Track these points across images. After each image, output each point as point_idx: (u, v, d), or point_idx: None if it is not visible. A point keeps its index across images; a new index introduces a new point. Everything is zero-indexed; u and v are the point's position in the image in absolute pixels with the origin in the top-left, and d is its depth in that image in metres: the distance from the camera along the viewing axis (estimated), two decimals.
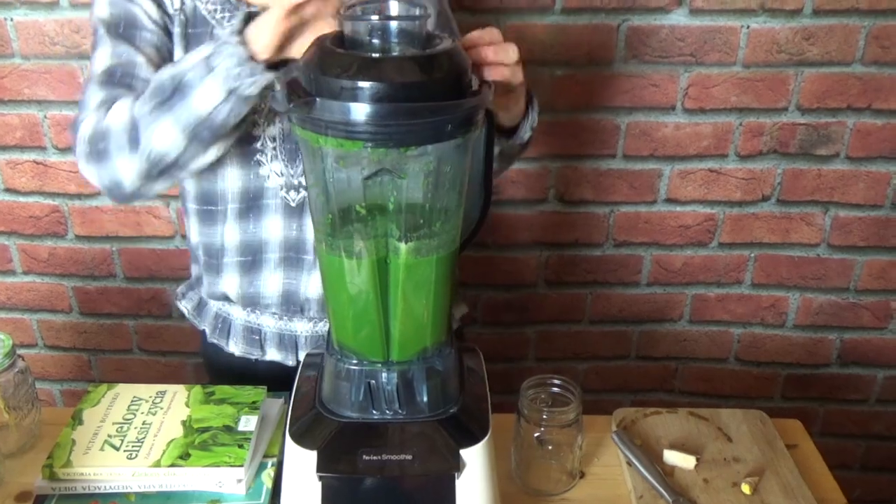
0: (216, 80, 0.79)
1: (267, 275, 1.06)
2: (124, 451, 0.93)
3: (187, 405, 1.00)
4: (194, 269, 1.16)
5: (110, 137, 0.87)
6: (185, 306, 1.18)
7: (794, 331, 1.62)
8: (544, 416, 0.95)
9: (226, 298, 1.10)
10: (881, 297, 1.58)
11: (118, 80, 0.90)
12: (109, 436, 0.95)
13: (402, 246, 0.67)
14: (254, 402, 1.02)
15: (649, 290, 1.59)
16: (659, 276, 1.57)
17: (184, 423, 0.98)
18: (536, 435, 0.96)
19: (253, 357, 1.11)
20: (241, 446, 0.94)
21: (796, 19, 1.34)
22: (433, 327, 0.74)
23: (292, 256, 1.04)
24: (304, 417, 0.78)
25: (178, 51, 0.95)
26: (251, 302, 1.08)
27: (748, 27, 1.34)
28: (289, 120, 0.67)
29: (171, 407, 1.00)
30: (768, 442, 1.05)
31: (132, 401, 1.01)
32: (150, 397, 1.02)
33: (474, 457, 0.74)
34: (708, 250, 1.55)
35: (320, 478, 0.72)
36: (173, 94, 0.82)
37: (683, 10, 1.33)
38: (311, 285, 1.05)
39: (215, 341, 1.13)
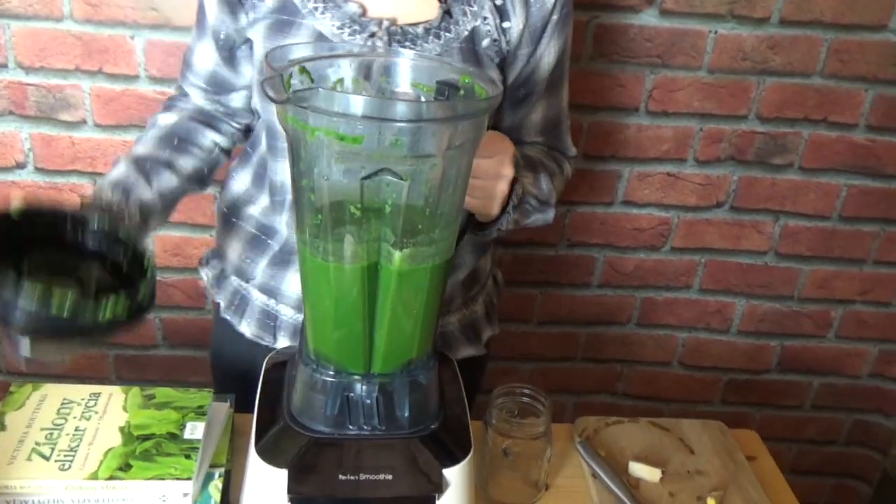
0: None
1: (291, 275, 1.02)
2: (56, 461, 0.85)
3: (125, 409, 0.93)
4: (220, 238, 1.11)
5: None
6: (206, 273, 1.13)
7: (737, 336, 1.66)
8: (513, 428, 0.93)
9: (248, 280, 1.06)
10: (823, 306, 1.63)
11: (216, 84, 1.02)
12: (38, 443, 0.87)
13: (397, 253, 0.63)
14: (200, 407, 0.95)
15: (600, 292, 1.59)
16: (610, 278, 1.58)
17: (122, 429, 0.91)
18: (504, 447, 0.93)
19: (263, 342, 1.05)
20: (188, 456, 0.87)
21: (763, 27, 1.35)
22: (421, 339, 0.70)
23: None
24: (271, 431, 0.73)
25: (257, 40, 0.93)
26: (270, 293, 1.04)
27: (716, 32, 1.35)
28: (277, 110, 0.62)
29: (107, 411, 0.93)
30: (729, 453, 1.06)
31: (62, 403, 0.93)
32: (83, 400, 0.94)
33: (457, 476, 0.71)
34: (660, 254, 1.56)
35: (291, 499, 0.68)
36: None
37: (654, 10, 1.33)
38: None
39: (228, 317, 1.08)
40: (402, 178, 0.60)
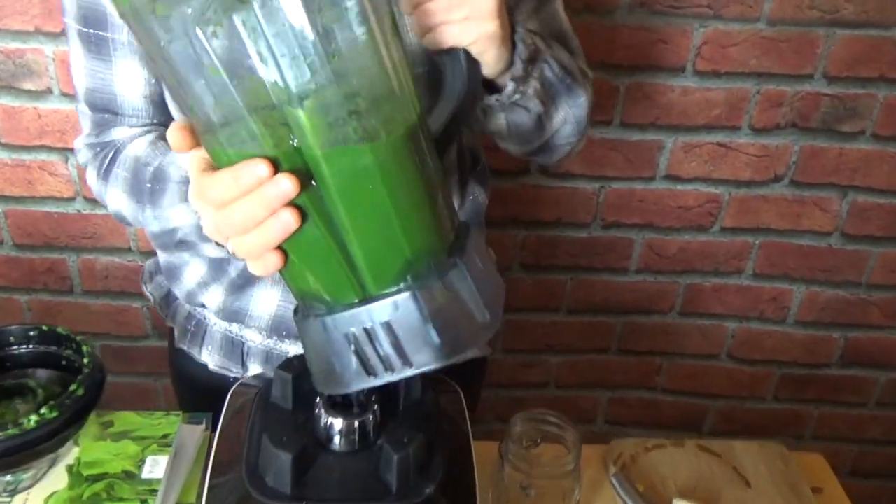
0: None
1: (260, 291, 0.86)
2: None
3: (76, 442, 0.81)
4: (162, 256, 0.94)
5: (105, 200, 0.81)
6: (151, 293, 0.97)
7: (795, 327, 1.50)
8: (534, 469, 0.79)
9: (201, 305, 0.90)
10: (893, 294, 1.46)
11: (102, 107, 0.80)
12: None
13: (301, 111, 0.44)
14: (164, 437, 0.83)
15: (638, 278, 1.44)
16: (650, 262, 1.42)
17: (70, 468, 0.79)
18: (523, 484, 0.80)
19: (231, 374, 0.91)
20: (144, 502, 0.75)
21: None
22: (412, 229, 0.51)
23: None
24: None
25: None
26: (233, 318, 0.88)
27: None
28: None
29: None
30: (792, 487, 0.91)
31: None
32: None
33: None
34: (708, 235, 1.40)
35: None
36: (150, 197, 0.74)
37: None
38: None
39: (185, 347, 0.93)
40: None
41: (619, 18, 1.20)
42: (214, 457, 0.64)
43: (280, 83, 0.44)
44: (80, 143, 0.83)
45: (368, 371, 0.51)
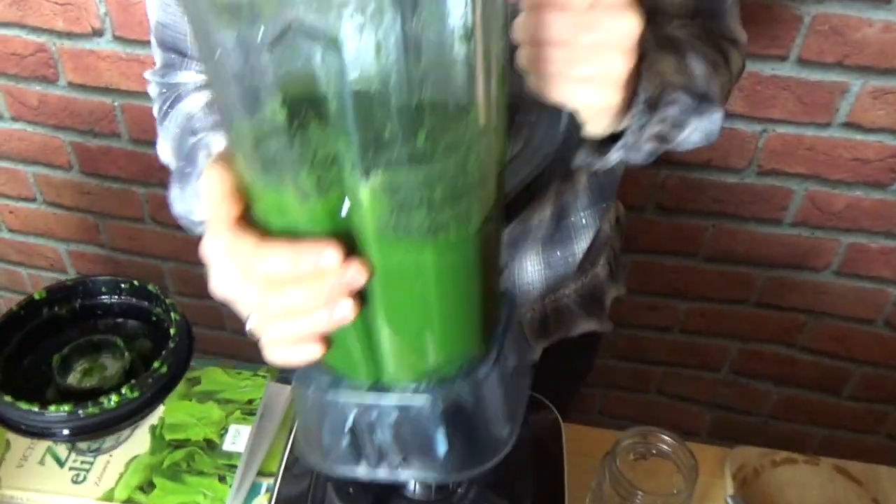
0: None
1: None
2: (70, 468, 0.74)
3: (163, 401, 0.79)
4: None
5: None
6: None
7: None
8: (639, 496, 0.71)
9: None
10: None
11: (171, 45, 0.72)
12: (55, 442, 0.76)
13: (364, 187, 0.36)
14: (249, 402, 0.80)
15: (793, 231, 1.27)
16: (810, 216, 1.25)
17: (153, 429, 0.77)
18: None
19: None
20: (222, 479, 0.73)
21: None
22: (454, 334, 0.43)
23: None
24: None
25: None
26: None
27: None
28: None
29: None
30: None
31: None
32: None
33: None
34: (886, 193, 1.20)
35: None
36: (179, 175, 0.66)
37: None
38: None
39: None
40: (330, 41, 0.32)
41: None
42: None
43: (348, 145, 0.34)
44: (149, 75, 0.76)
45: (359, 458, 0.45)
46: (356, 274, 0.38)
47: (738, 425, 1.59)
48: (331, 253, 0.37)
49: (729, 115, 1.15)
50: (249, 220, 0.40)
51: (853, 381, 1.47)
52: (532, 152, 0.49)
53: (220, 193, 0.40)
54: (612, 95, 0.47)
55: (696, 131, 0.60)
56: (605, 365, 1.53)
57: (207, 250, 0.42)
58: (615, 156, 0.54)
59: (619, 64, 0.45)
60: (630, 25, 0.44)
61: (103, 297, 0.80)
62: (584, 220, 0.80)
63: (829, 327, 1.40)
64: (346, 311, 0.39)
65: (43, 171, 1.45)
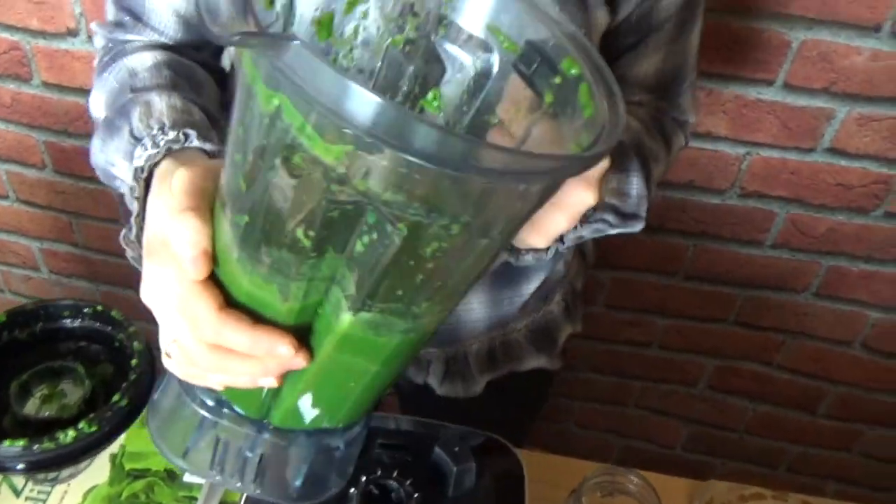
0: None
1: None
2: (27, 497, 0.72)
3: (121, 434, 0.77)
4: None
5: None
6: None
7: None
8: None
9: None
10: None
11: (126, 5, 0.67)
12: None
13: (348, 316, 0.38)
14: None
15: (773, 253, 1.27)
16: (791, 238, 1.24)
17: (113, 458, 0.76)
18: None
19: None
20: None
21: None
22: (350, 409, 0.47)
23: None
24: None
25: None
26: None
27: None
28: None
29: None
30: None
31: None
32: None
33: None
34: (867, 218, 1.20)
35: None
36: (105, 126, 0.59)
37: None
38: None
39: None
40: (394, 226, 0.33)
41: None
42: None
43: (351, 287, 0.37)
44: (96, 27, 0.71)
45: (216, 467, 0.47)
46: (299, 362, 0.39)
47: (714, 440, 1.59)
48: (286, 348, 0.38)
49: (713, 137, 1.14)
50: (212, 276, 0.39)
51: (829, 400, 1.47)
52: None
53: (194, 249, 0.38)
54: (539, 241, 0.50)
55: (619, 232, 0.63)
56: (583, 377, 1.53)
57: (157, 292, 0.41)
58: (528, 259, 0.57)
59: (561, 224, 0.49)
60: (586, 200, 0.47)
61: (65, 320, 0.78)
62: (531, 272, 0.79)
63: (807, 347, 1.40)
64: (271, 383, 0.41)
65: (16, 170, 1.42)
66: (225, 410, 0.46)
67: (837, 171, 1.15)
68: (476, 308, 0.78)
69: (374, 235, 0.34)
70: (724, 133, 1.13)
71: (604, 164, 0.46)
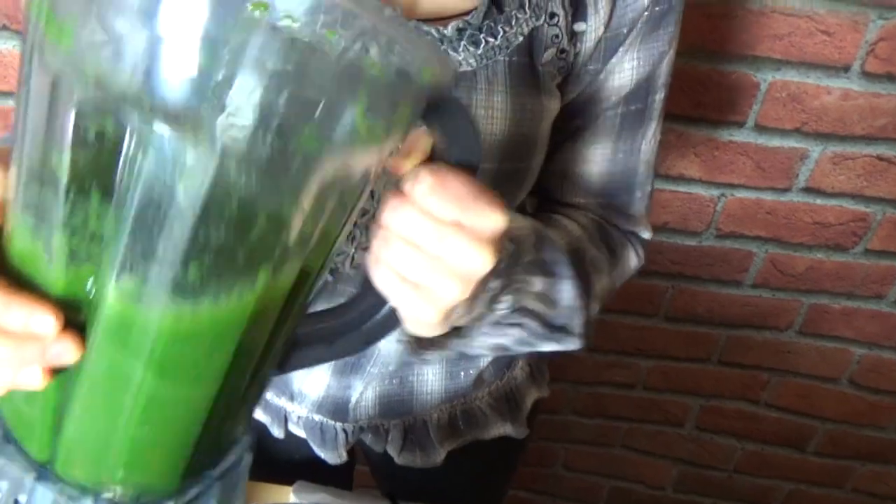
0: None
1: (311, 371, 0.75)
2: None
3: None
4: None
5: None
6: None
7: None
8: None
9: None
10: None
11: None
12: None
13: (111, 284, 0.33)
14: None
15: (753, 293, 1.24)
16: (771, 278, 1.22)
17: None
18: None
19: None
20: None
21: None
22: (164, 452, 0.39)
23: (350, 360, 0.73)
24: None
25: None
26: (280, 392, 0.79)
27: None
28: None
29: None
30: None
31: None
32: None
33: None
34: (847, 256, 1.18)
35: None
36: None
37: None
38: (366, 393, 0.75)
39: None
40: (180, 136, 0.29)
41: (770, 0, 0.95)
42: None
43: (117, 237, 0.32)
44: None
45: None
46: (63, 352, 0.34)
47: (704, 480, 1.56)
48: (46, 320, 0.33)
49: (686, 180, 1.12)
50: None
51: (818, 437, 1.45)
52: (344, 325, 0.45)
53: None
54: (432, 314, 0.43)
55: (550, 348, 0.58)
56: (567, 420, 1.50)
57: None
58: (430, 355, 0.53)
59: (453, 292, 0.41)
60: (483, 263, 0.41)
61: None
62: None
63: (793, 385, 1.37)
64: (33, 380, 0.35)
65: None
66: (6, 448, 0.39)
67: (814, 210, 1.13)
68: (430, 380, 0.75)
69: (134, 167, 0.30)
70: (697, 175, 1.11)
71: (499, 223, 0.40)
